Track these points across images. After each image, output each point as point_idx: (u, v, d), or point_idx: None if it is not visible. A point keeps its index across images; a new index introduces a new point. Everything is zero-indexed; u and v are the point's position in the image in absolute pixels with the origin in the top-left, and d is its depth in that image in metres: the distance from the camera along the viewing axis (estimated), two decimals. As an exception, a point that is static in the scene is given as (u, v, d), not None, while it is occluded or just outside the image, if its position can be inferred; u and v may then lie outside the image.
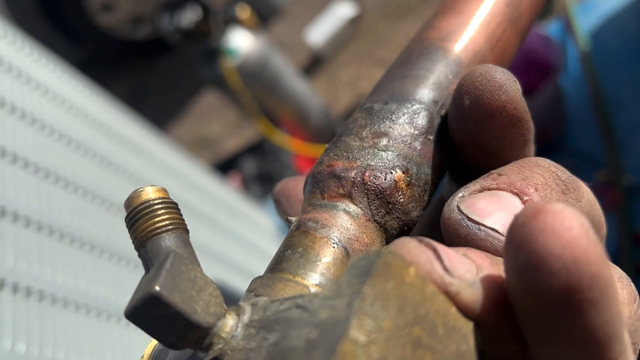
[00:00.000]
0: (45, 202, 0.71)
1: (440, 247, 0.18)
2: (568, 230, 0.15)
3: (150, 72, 3.22)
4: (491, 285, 0.18)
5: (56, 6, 2.82)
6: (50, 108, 0.83)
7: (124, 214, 0.84)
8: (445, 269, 0.17)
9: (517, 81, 0.23)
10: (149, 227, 0.22)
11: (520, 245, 0.16)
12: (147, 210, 0.22)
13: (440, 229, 0.21)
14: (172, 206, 0.23)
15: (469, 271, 0.18)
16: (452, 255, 0.18)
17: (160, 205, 0.22)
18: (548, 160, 0.22)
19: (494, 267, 0.18)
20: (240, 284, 1.04)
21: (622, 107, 1.20)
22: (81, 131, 0.86)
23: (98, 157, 0.86)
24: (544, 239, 0.15)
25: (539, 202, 0.16)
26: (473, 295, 0.18)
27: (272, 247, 1.38)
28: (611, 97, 1.20)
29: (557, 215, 0.15)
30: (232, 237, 1.15)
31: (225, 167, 2.05)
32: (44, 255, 0.66)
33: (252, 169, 1.91)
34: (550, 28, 1.28)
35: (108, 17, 2.89)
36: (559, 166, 0.22)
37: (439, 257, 0.18)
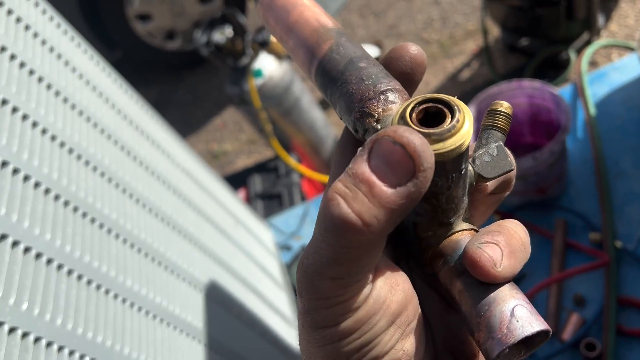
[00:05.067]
0: (65, 176, 0.75)
1: None
2: None
3: (174, 84, 3.31)
4: None
5: (95, 9, 2.93)
6: (84, 92, 0.89)
7: (135, 200, 0.88)
8: None
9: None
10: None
11: None
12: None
13: None
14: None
15: None
16: None
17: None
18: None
19: None
20: (234, 286, 1.07)
21: (621, 175, 1.24)
22: (108, 117, 0.91)
23: (119, 144, 0.91)
24: None
25: None
26: None
27: (271, 263, 1.41)
28: (612, 164, 1.25)
29: None
30: (234, 244, 1.18)
31: (232, 183, 2.09)
32: (57, 223, 0.70)
33: (258, 187, 1.95)
34: (564, 90, 1.34)
35: (144, 25, 3.00)
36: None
37: None
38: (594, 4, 1.92)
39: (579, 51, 2.02)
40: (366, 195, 0.28)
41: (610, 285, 1.11)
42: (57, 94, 0.82)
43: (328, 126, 2.11)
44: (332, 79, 0.36)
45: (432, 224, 0.34)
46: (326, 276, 0.29)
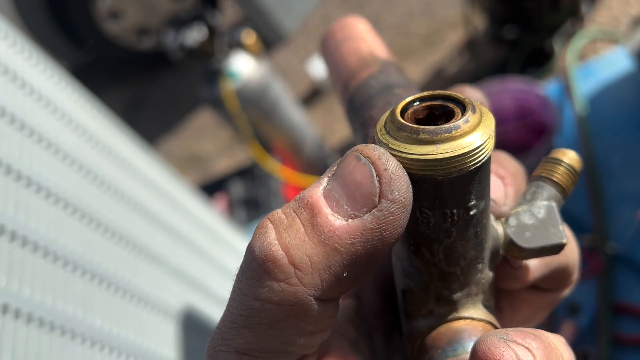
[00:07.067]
0: (23, 211, 0.69)
1: None
2: None
3: (149, 83, 3.22)
4: None
5: (63, 9, 2.82)
6: (42, 115, 0.82)
7: (103, 230, 0.82)
8: None
9: None
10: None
11: None
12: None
13: None
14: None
15: None
16: None
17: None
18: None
19: None
20: (213, 311, 1.02)
21: (612, 174, 1.21)
22: (70, 141, 0.85)
23: (84, 170, 0.85)
24: None
25: None
26: None
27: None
28: (602, 164, 1.21)
29: None
30: (210, 262, 1.13)
31: (213, 187, 2.03)
32: (14, 267, 0.64)
33: (240, 192, 1.89)
34: (549, 88, 1.30)
35: (114, 25, 2.90)
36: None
37: None
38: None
39: (566, 38, 1.98)
40: (304, 224, 0.20)
41: (604, 291, 1.08)
42: (13, 119, 0.76)
43: (309, 125, 2.05)
44: (360, 104, 0.29)
45: (426, 296, 0.24)
46: (231, 347, 0.20)
